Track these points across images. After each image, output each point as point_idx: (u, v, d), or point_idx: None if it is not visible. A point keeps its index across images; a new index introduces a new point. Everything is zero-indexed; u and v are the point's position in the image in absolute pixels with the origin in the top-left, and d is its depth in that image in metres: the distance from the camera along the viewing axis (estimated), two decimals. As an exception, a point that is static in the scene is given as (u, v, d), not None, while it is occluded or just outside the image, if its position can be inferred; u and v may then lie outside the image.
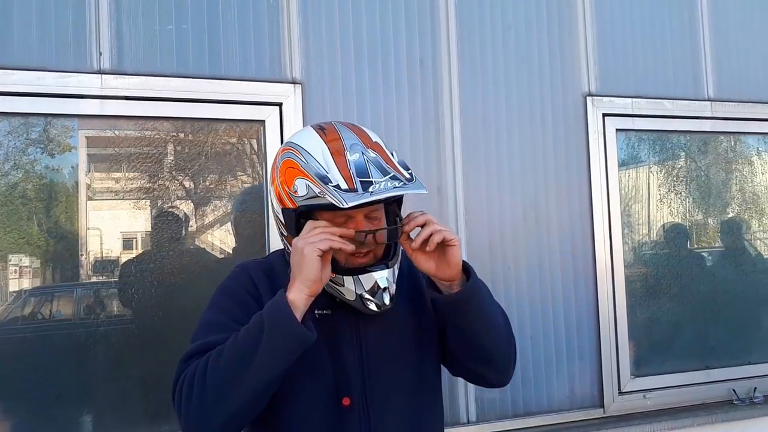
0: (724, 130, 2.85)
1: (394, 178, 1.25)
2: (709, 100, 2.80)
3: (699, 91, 2.80)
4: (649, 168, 2.84)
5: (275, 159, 1.39)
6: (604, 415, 2.52)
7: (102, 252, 2.18)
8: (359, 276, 1.30)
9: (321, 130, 1.34)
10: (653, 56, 2.74)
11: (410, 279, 1.49)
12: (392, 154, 1.33)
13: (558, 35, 2.59)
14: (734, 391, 2.70)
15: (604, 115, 2.62)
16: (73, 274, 2.14)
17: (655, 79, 2.73)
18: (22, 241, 2.11)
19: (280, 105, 2.20)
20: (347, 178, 1.23)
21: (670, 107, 2.73)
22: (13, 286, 2.10)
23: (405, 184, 1.25)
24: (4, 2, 1.98)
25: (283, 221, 1.36)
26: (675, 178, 2.87)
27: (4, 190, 2.05)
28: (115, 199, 2.20)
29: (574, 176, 2.57)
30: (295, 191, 1.29)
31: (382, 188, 1.22)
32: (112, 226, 2.20)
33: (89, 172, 2.18)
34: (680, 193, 2.88)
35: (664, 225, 2.86)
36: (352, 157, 1.26)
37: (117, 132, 2.15)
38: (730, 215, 2.98)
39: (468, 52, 2.46)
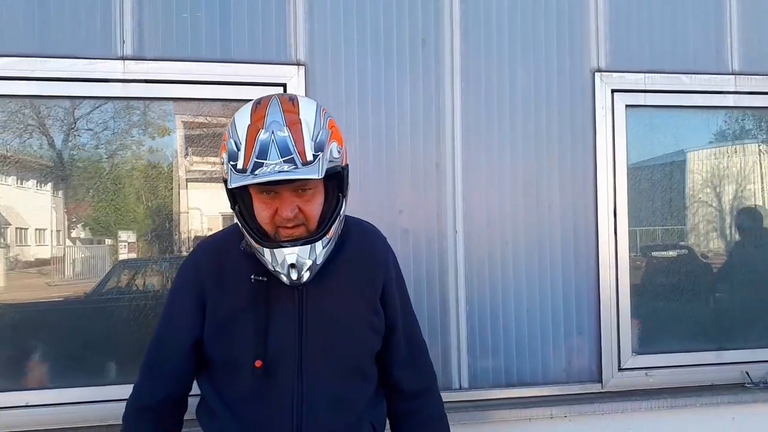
0: (749, 105, 2.74)
1: (289, 161, 1.29)
2: (732, 73, 2.70)
3: (722, 64, 2.70)
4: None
5: None
6: (602, 390, 2.55)
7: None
8: (273, 251, 1.38)
9: (257, 104, 1.39)
10: (672, 28, 2.67)
11: (364, 265, 1.58)
12: (317, 134, 1.34)
13: (567, 9, 2.59)
14: (747, 374, 2.65)
15: (614, 91, 2.60)
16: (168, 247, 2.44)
17: (672, 52, 2.67)
18: (129, 218, 2.44)
19: (284, 86, 2.37)
20: (246, 158, 1.30)
21: (688, 82, 2.66)
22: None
23: (296, 168, 1.29)
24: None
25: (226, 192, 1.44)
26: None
27: (113, 169, 2.39)
28: (212, 180, 2.49)
29: (579, 153, 2.58)
30: (222, 164, 1.38)
31: (269, 171, 1.28)
32: (210, 205, 2.51)
33: (187, 155, 2.47)
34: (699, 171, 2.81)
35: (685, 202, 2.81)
36: (263, 137, 1.31)
37: (209, 118, 2.41)
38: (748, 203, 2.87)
39: (472, 29, 2.51)
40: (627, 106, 2.62)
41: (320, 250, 1.42)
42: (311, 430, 1.46)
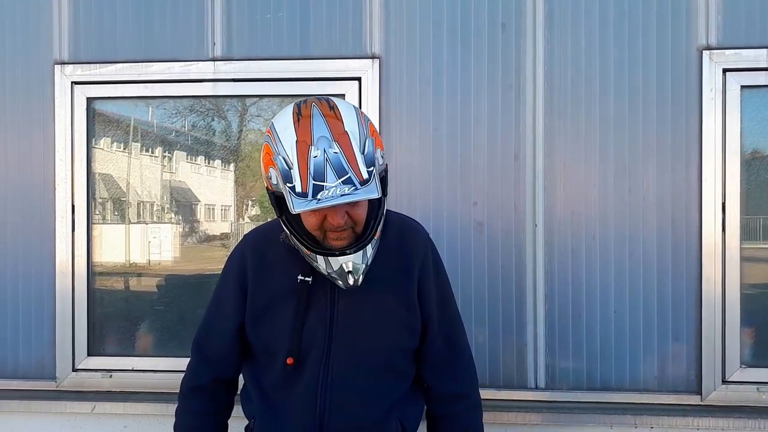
0: None
1: (347, 182, 1.29)
2: None
3: None
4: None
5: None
6: (701, 403, 2.31)
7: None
8: (328, 258, 1.42)
9: (298, 115, 1.38)
10: (804, -5, 2.30)
11: (400, 261, 1.58)
12: (364, 145, 1.35)
13: (670, -17, 2.33)
14: None
15: (725, 70, 2.30)
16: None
17: (804, 22, 2.30)
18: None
19: (359, 79, 2.41)
20: (303, 180, 1.30)
21: (823, 56, 2.28)
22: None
23: (356, 189, 1.29)
24: (147, 9, 2.49)
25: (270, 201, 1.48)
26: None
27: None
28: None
29: (681, 141, 2.33)
30: (269, 178, 1.41)
31: (330, 195, 1.27)
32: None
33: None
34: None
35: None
36: (314, 154, 1.31)
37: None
38: None
39: (557, 9, 2.36)
40: (743, 87, 2.31)
41: (370, 252, 1.45)
42: (334, 422, 1.50)
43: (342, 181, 1.29)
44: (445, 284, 1.67)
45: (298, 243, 1.45)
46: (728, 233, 2.30)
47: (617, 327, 2.35)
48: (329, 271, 1.44)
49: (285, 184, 1.33)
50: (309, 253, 1.44)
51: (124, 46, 2.50)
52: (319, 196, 1.28)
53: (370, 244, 1.44)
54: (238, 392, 1.72)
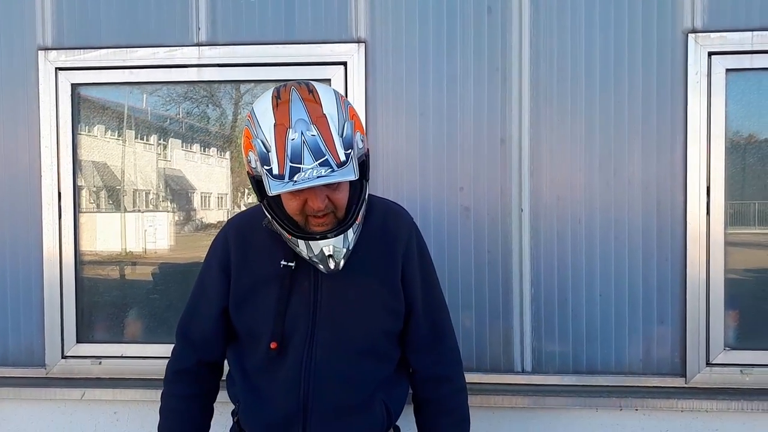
0: None
1: (324, 164, 1.30)
2: None
3: None
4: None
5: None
6: (686, 385, 2.33)
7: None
8: (309, 242, 1.43)
9: (278, 99, 1.39)
10: (791, -23, 2.29)
11: (384, 245, 1.59)
12: (342, 128, 1.36)
13: (656, -34, 2.32)
14: None
15: (711, 53, 2.30)
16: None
17: (790, 5, 2.29)
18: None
19: (345, 64, 2.39)
20: (280, 162, 1.31)
21: (809, 39, 2.28)
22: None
23: (333, 171, 1.30)
24: (131, -7, 2.48)
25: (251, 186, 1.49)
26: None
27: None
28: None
29: (666, 124, 2.33)
30: (249, 162, 1.41)
31: (306, 177, 1.29)
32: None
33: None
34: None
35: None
36: (292, 137, 1.32)
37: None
38: None
39: (544, -5, 2.35)
40: (728, 70, 2.31)
41: (352, 236, 1.46)
42: (317, 404, 1.51)
43: (319, 163, 1.30)
44: (429, 269, 1.69)
45: (279, 228, 1.46)
46: (713, 217, 2.31)
47: (603, 310, 2.36)
48: (310, 256, 1.45)
49: (263, 166, 1.34)
50: (290, 237, 1.44)
51: (109, 31, 2.47)
52: (295, 178, 1.29)
53: (351, 229, 1.44)
54: (224, 378, 1.73)
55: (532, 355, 2.38)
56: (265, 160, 1.34)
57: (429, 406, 1.67)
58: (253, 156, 1.38)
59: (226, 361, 1.72)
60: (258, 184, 1.42)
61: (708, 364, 2.33)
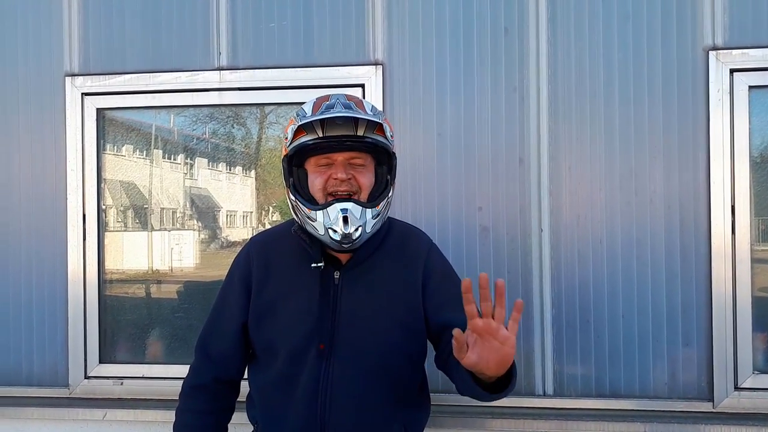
0: None
1: (353, 112, 1.49)
2: None
3: None
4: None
5: None
6: (713, 410, 2.26)
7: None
8: (326, 209, 1.48)
9: (321, 96, 1.59)
10: (813, -7, 2.26)
11: (402, 265, 1.59)
12: (375, 111, 1.55)
13: (675, -16, 2.31)
14: None
15: (732, 70, 2.27)
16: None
17: (813, 20, 2.26)
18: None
19: (362, 86, 2.41)
20: (315, 110, 1.51)
21: (834, 54, 2.23)
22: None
23: (361, 115, 1.49)
24: (155, 21, 2.54)
25: (283, 173, 1.59)
26: None
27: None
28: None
29: (688, 142, 2.30)
30: (286, 137, 1.54)
31: (333, 112, 1.47)
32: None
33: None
34: None
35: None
36: (329, 102, 1.52)
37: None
38: None
39: (560, 11, 2.35)
40: (751, 87, 2.27)
41: (369, 217, 1.49)
42: (335, 421, 1.50)
43: (347, 110, 1.49)
44: (453, 279, 1.65)
45: (301, 206, 1.50)
46: (738, 235, 2.26)
47: (626, 332, 2.31)
48: (326, 225, 1.47)
49: (299, 119, 1.50)
50: (309, 212, 1.49)
51: (132, 56, 2.54)
52: (324, 114, 1.46)
53: (370, 209, 1.49)
54: (243, 398, 1.73)
55: (554, 378, 2.34)
56: (302, 116, 1.51)
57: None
58: (291, 127, 1.53)
59: (244, 381, 1.72)
60: (289, 164, 1.54)
61: (736, 388, 2.26)
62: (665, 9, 2.31)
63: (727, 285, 2.26)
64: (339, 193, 1.50)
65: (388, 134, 1.55)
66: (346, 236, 1.45)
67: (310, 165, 1.54)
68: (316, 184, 1.52)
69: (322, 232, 1.48)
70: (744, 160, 2.27)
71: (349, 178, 1.50)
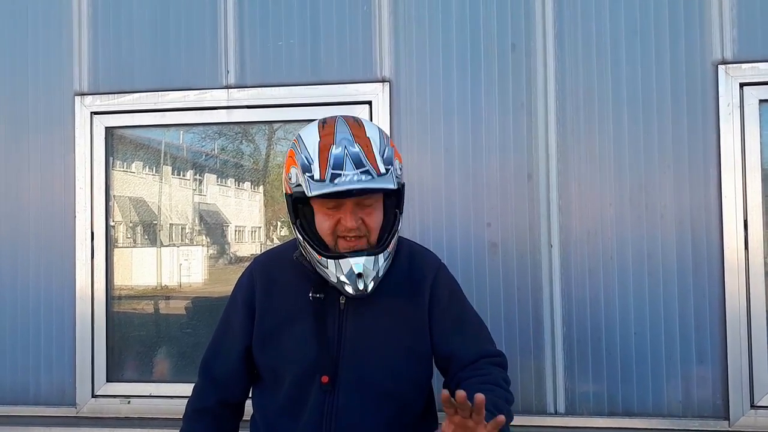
0: None
1: (365, 172, 1.37)
2: None
3: None
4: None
5: None
6: (730, 429, 2.21)
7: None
8: (339, 261, 1.44)
9: (323, 123, 1.48)
10: (822, 6, 2.25)
11: (409, 288, 1.57)
12: (383, 150, 1.42)
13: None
14: None
15: (742, 84, 2.25)
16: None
17: (823, 33, 2.24)
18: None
19: (369, 103, 2.42)
20: (322, 169, 1.37)
21: None
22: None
23: (373, 178, 1.37)
24: (163, 40, 2.56)
25: (287, 207, 1.54)
26: None
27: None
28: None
29: (699, 157, 2.28)
30: (290, 178, 1.47)
31: (347, 181, 1.35)
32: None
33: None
34: None
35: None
36: (335, 151, 1.38)
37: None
38: None
39: (568, 27, 2.35)
40: (761, 101, 2.26)
41: (382, 262, 1.46)
42: None
43: (360, 171, 1.36)
44: (461, 302, 1.64)
45: (310, 250, 1.47)
46: (751, 249, 2.23)
47: (638, 349, 2.28)
48: (339, 276, 1.44)
49: (304, 174, 1.39)
50: (320, 258, 1.45)
51: (141, 76, 2.55)
52: (336, 182, 1.35)
53: (382, 254, 1.45)
54: (246, 418, 1.71)
55: (565, 395, 2.30)
56: (306, 169, 1.40)
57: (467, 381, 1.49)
58: (294, 171, 1.44)
59: (248, 403, 1.70)
60: (294, 204, 1.48)
61: (753, 406, 2.21)
62: (673, 24, 2.30)
63: (741, 300, 2.22)
64: (349, 238, 1.45)
65: (398, 170, 1.47)
66: (361, 290, 1.44)
67: (317, 203, 1.47)
68: (324, 227, 1.46)
69: (334, 280, 1.46)
70: (756, 173, 2.25)
71: (359, 225, 1.44)
